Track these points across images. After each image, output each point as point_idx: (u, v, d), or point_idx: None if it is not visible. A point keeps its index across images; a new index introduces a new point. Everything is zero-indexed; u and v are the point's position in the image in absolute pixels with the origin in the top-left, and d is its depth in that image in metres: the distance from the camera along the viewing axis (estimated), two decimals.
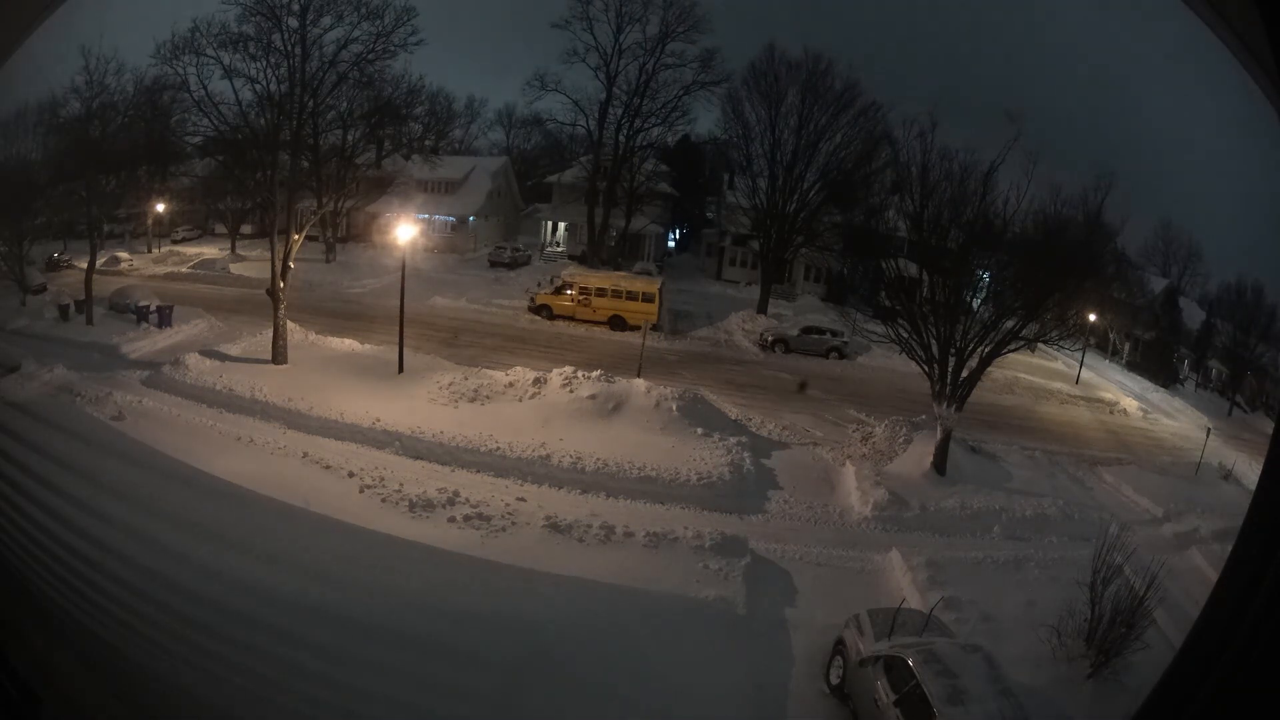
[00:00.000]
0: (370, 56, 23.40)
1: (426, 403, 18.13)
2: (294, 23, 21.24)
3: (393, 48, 23.64)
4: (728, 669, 9.60)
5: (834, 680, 9.85)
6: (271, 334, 20.56)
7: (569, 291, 28.58)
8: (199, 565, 8.52)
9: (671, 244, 47.99)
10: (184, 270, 31.54)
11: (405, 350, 20.50)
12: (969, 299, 19.27)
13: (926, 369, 18.44)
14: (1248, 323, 34.14)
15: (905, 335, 18.59)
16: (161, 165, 32.00)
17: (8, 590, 3.55)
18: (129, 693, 3.37)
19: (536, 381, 18.95)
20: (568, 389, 18.55)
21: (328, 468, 14.72)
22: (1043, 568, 13.96)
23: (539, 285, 30.87)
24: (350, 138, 29.93)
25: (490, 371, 20.15)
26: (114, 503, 9.41)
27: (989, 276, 20.81)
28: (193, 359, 19.44)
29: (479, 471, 15.47)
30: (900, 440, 19.01)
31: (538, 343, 25.44)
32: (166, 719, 3.87)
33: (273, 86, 21.25)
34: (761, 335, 28.62)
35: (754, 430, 19.41)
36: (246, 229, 36.65)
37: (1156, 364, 35.96)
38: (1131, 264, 35.25)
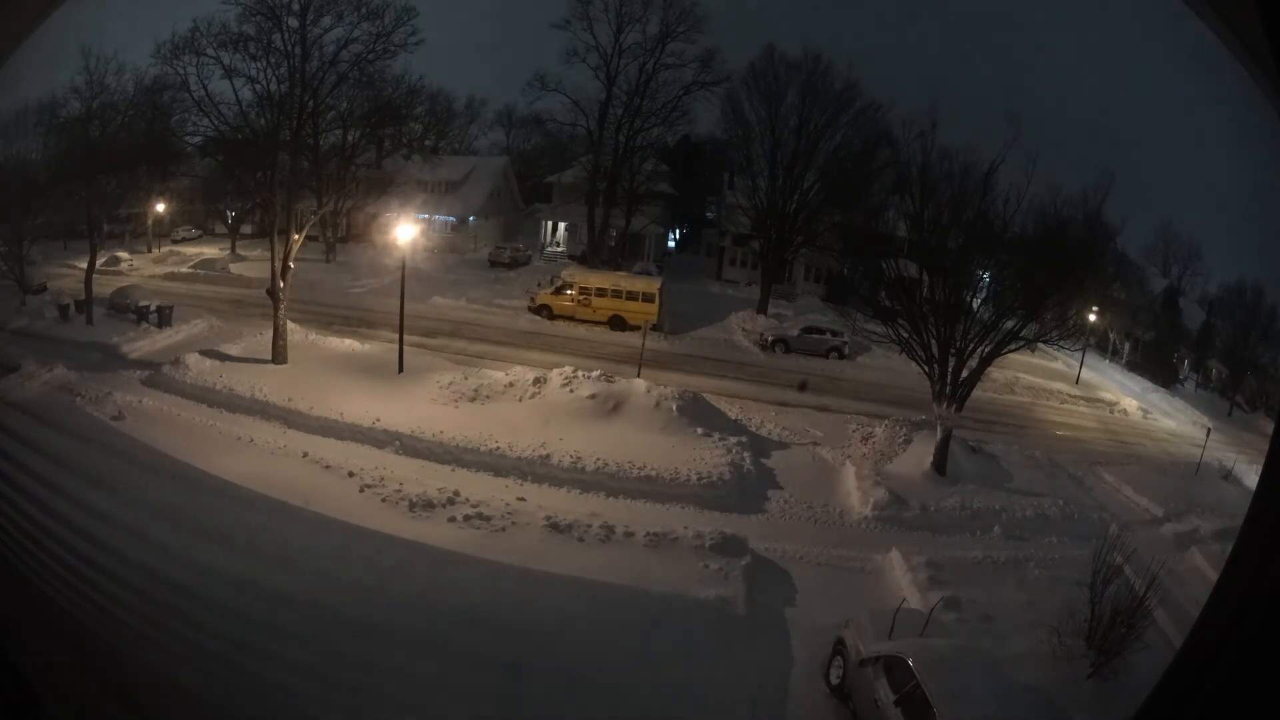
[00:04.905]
0: (370, 56, 23.42)
1: (426, 402, 18.14)
2: (294, 23, 21.28)
3: (393, 48, 23.71)
4: (728, 669, 9.59)
5: (834, 680, 9.83)
6: (272, 334, 20.58)
7: (569, 291, 28.56)
8: (199, 565, 8.53)
9: (671, 244, 47.99)
10: (184, 270, 31.51)
11: (405, 350, 20.51)
12: (969, 299, 19.27)
13: (926, 369, 18.45)
14: (1248, 323, 34.16)
15: (905, 335, 18.60)
16: (161, 165, 31.97)
17: (8, 590, 3.55)
18: (129, 693, 3.37)
19: (536, 381, 18.96)
20: (568, 389, 18.56)
21: (328, 467, 14.71)
22: (1043, 568, 13.97)
23: (539, 285, 30.82)
24: (350, 138, 29.87)
25: (490, 371, 20.16)
26: (114, 502, 9.40)
27: (989, 276, 20.82)
28: (193, 359, 19.44)
29: (479, 471, 15.48)
30: (900, 440, 19.02)
31: (538, 343, 25.43)
32: (166, 719, 3.87)
33: (273, 86, 21.29)
34: (761, 335, 28.62)
35: (754, 430, 19.41)
36: (246, 229, 36.63)
37: (1156, 364, 35.97)
38: (1131, 264, 35.30)
